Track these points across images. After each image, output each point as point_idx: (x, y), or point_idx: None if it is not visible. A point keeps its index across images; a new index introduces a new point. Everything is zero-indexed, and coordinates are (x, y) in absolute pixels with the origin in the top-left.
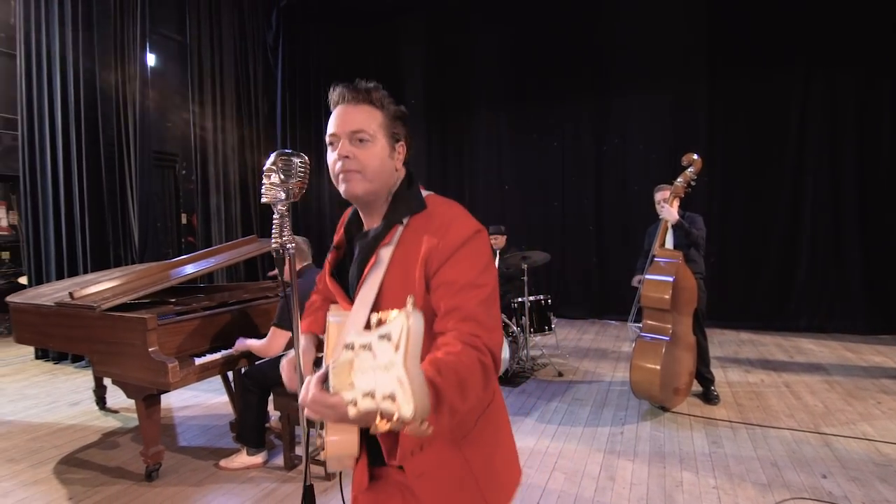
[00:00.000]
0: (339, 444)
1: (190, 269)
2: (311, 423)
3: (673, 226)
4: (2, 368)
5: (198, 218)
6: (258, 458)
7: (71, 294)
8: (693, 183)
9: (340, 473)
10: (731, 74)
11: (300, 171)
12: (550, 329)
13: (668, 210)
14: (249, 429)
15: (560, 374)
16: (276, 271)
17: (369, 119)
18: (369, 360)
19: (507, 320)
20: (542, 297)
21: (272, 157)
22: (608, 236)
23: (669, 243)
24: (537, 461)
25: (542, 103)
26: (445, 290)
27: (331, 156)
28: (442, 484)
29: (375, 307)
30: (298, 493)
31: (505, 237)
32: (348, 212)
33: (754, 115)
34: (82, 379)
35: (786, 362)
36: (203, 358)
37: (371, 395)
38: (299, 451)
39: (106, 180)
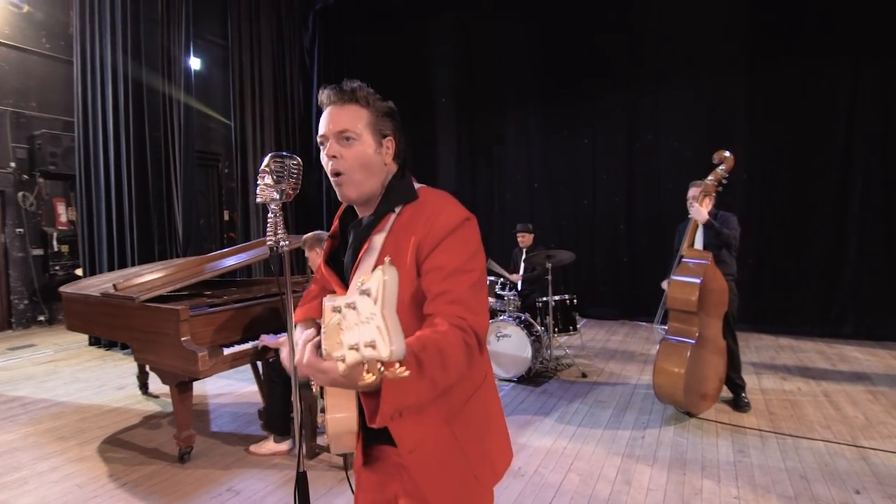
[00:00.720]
0: (339, 421)
1: (223, 264)
2: (307, 407)
3: (703, 225)
4: (59, 353)
5: (238, 215)
6: (283, 446)
7: (114, 286)
8: (725, 181)
9: (345, 458)
10: (773, 66)
11: (293, 173)
12: (575, 329)
13: (697, 209)
14: (275, 417)
15: (584, 375)
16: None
17: (355, 118)
18: (353, 317)
19: (531, 320)
20: (567, 296)
21: (266, 160)
22: (639, 236)
23: (699, 243)
24: (553, 461)
25: (571, 100)
26: (435, 274)
27: (323, 156)
28: (432, 459)
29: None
30: (318, 479)
31: (532, 235)
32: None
33: (798, 110)
34: (129, 365)
35: (827, 370)
36: (232, 348)
37: (356, 347)
38: (321, 440)
39: (152, 179)
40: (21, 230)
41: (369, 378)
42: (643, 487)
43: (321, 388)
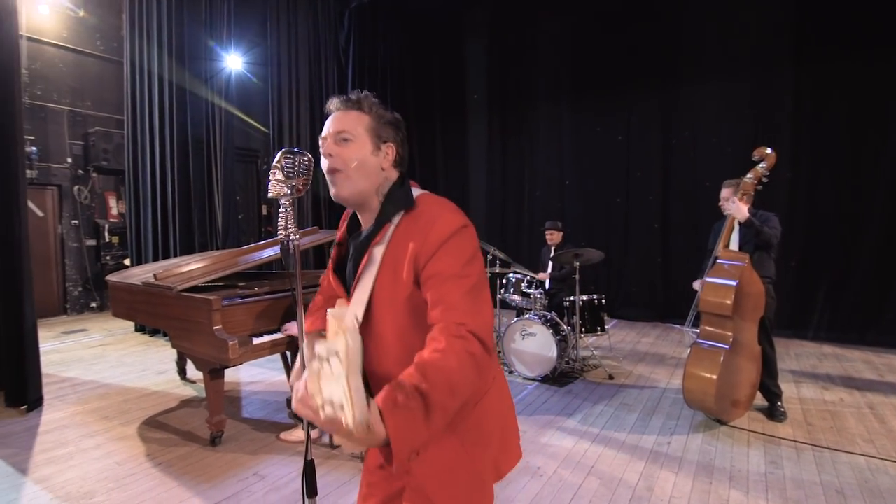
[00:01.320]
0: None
1: (257, 257)
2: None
3: (741, 224)
4: (107, 338)
5: (273, 210)
6: (311, 434)
7: (154, 275)
8: (765, 179)
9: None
10: (823, 56)
11: (303, 170)
12: (603, 330)
13: (738, 205)
14: None
15: (611, 377)
16: None
17: (355, 122)
18: (328, 371)
19: (557, 319)
20: (595, 296)
21: (278, 156)
22: (674, 235)
23: (734, 244)
24: (573, 463)
25: (605, 95)
26: (433, 282)
27: (322, 158)
28: (438, 464)
29: (369, 306)
30: (339, 468)
31: (561, 233)
32: (349, 212)
33: (849, 103)
34: (169, 352)
35: (873, 381)
36: (261, 338)
37: (331, 403)
38: None
39: (194, 175)
40: (76, 222)
41: (338, 440)
42: (666, 494)
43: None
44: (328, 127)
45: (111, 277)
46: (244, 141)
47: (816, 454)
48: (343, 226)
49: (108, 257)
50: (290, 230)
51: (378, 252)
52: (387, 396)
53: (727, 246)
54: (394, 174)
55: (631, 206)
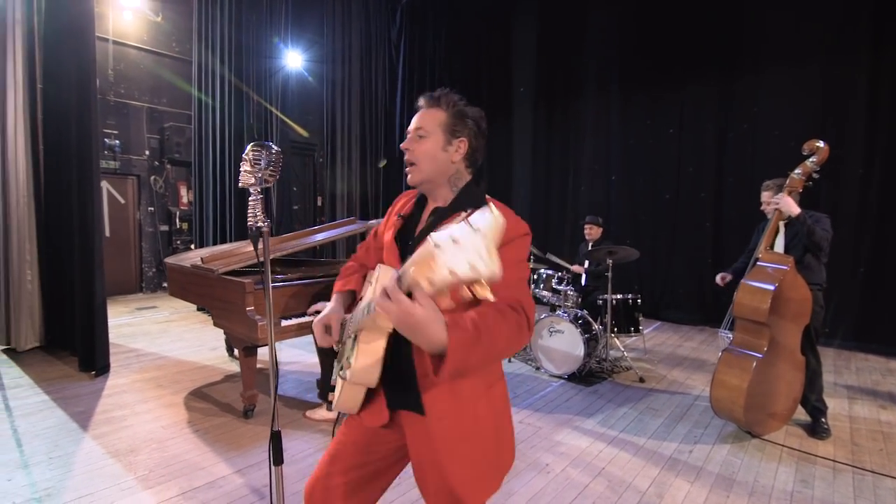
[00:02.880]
0: (349, 396)
1: (294, 244)
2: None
3: (789, 223)
4: (172, 315)
5: (326, 200)
6: (334, 414)
7: (202, 259)
8: (815, 176)
9: (337, 418)
10: None
11: (271, 162)
12: (637, 331)
13: (786, 200)
14: (328, 387)
15: (641, 380)
16: None
17: (432, 119)
18: (451, 250)
19: (588, 317)
20: (630, 295)
21: (247, 148)
22: (728, 235)
23: (780, 246)
24: (584, 462)
25: (657, 85)
26: None
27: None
28: (456, 430)
29: None
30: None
31: (601, 229)
32: (409, 195)
33: None
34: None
35: None
36: (290, 320)
37: (453, 272)
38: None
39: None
40: (152, 209)
41: (446, 302)
42: (676, 503)
43: (351, 345)
44: (412, 123)
45: (168, 260)
46: (301, 134)
47: (857, 477)
48: (410, 202)
49: (178, 242)
50: (258, 218)
51: None
52: (452, 318)
53: (771, 247)
54: (465, 170)
55: (681, 202)
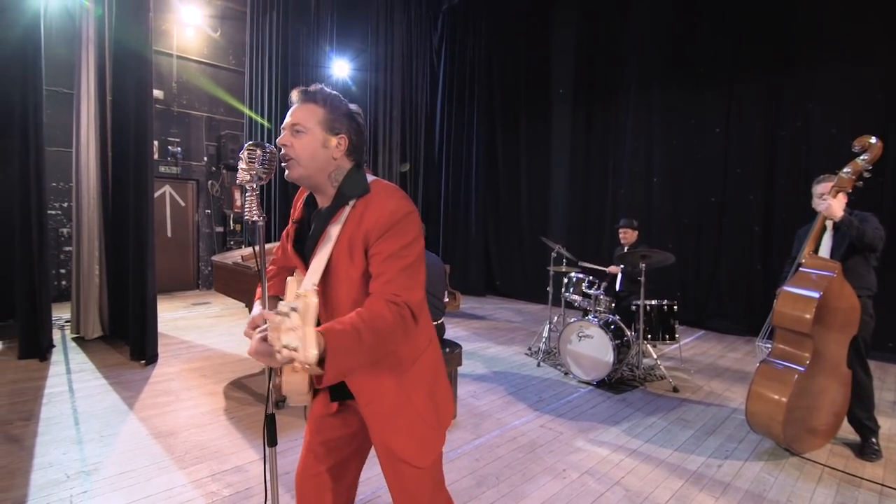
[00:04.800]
0: (292, 383)
1: None
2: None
3: (836, 226)
4: (223, 311)
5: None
6: None
7: (242, 256)
8: (867, 174)
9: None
10: None
11: (265, 160)
12: (673, 338)
13: (831, 203)
14: None
15: (675, 390)
16: None
17: (309, 115)
18: (288, 323)
19: (620, 323)
20: (665, 302)
21: (244, 147)
22: (779, 240)
23: (825, 250)
24: (603, 470)
25: (702, 83)
26: (377, 258)
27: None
28: (384, 408)
29: (324, 276)
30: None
31: (636, 233)
32: (305, 193)
33: None
34: None
35: None
36: None
37: (287, 347)
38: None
39: (276, 179)
40: (209, 211)
41: (296, 368)
42: None
43: None
44: (286, 118)
45: (215, 258)
46: None
47: None
48: (299, 204)
49: (231, 242)
50: (254, 213)
51: (334, 231)
52: (328, 324)
53: (816, 252)
54: (347, 162)
55: (727, 205)
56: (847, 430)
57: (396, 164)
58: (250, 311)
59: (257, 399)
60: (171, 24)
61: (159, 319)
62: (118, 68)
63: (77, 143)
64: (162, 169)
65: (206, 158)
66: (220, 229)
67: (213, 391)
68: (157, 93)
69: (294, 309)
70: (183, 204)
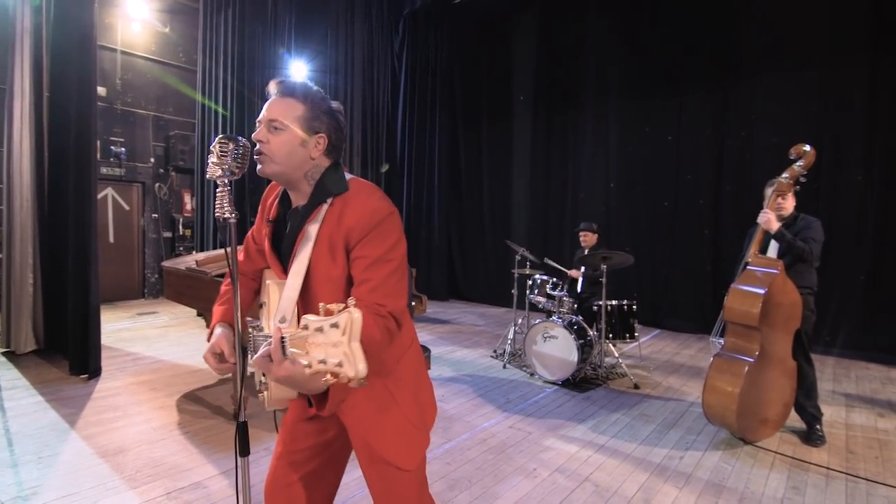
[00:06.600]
0: (279, 393)
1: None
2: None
3: (773, 236)
4: (172, 321)
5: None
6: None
7: (196, 261)
8: (802, 180)
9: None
10: None
11: (238, 154)
12: (633, 337)
13: (768, 216)
14: None
15: (636, 387)
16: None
17: (288, 111)
18: (321, 338)
19: (583, 323)
20: (625, 302)
21: (214, 141)
22: (727, 242)
23: (773, 250)
24: (572, 468)
25: (655, 93)
26: (360, 262)
27: (252, 137)
28: (370, 410)
29: (307, 277)
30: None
31: (596, 235)
32: (276, 190)
33: None
34: None
35: None
36: None
37: (323, 362)
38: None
39: (249, 175)
40: (156, 215)
41: (331, 380)
42: None
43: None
44: (263, 111)
45: (165, 263)
46: None
47: (850, 485)
48: (273, 203)
49: (181, 248)
50: (226, 209)
51: (312, 230)
52: None
53: (763, 252)
54: (325, 161)
55: (679, 210)
56: (793, 419)
57: (356, 166)
58: (206, 319)
59: (214, 411)
60: (116, 18)
61: (101, 331)
62: (58, 62)
63: (9, 143)
64: (104, 170)
65: (152, 160)
66: (168, 234)
67: (165, 405)
68: (100, 90)
69: (335, 325)
70: (127, 208)
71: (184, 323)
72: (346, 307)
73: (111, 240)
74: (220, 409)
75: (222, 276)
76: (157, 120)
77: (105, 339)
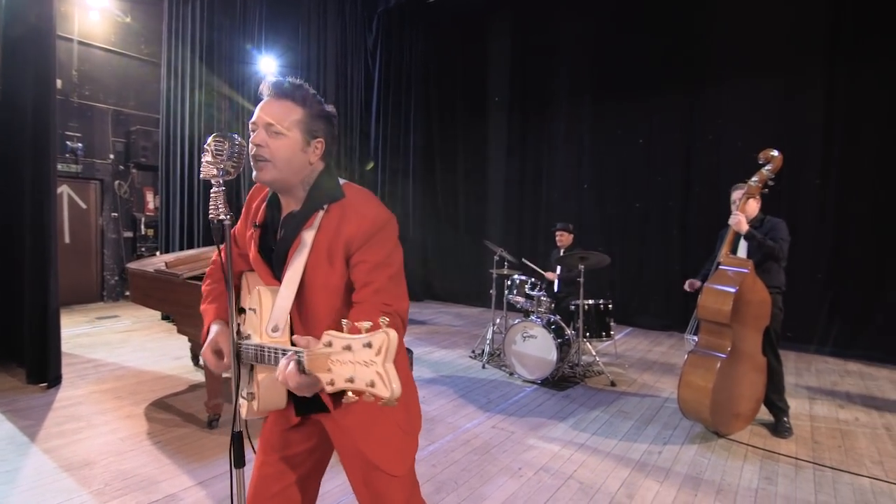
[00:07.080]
0: (269, 399)
1: None
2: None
3: (744, 237)
4: (135, 325)
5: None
6: None
7: (166, 263)
8: (771, 183)
9: (247, 422)
10: (862, 54)
11: (233, 154)
12: (609, 336)
13: (739, 218)
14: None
15: (612, 384)
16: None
17: (287, 114)
18: (349, 356)
19: (561, 323)
20: (602, 301)
21: (209, 139)
22: (695, 242)
23: (743, 251)
24: (556, 466)
25: (627, 97)
26: (362, 267)
27: (250, 139)
28: (362, 417)
29: (301, 284)
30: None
31: (571, 236)
32: (264, 193)
33: (890, 104)
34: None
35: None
36: None
37: (351, 380)
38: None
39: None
40: (115, 214)
41: (354, 398)
42: (646, 503)
43: (248, 377)
44: (259, 113)
45: (131, 265)
46: None
47: (817, 473)
48: (260, 206)
49: (143, 249)
50: (220, 211)
51: (308, 236)
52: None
53: (734, 252)
54: (320, 165)
55: (650, 211)
56: (762, 412)
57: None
58: (177, 323)
59: (185, 419)
60: (72, 6)
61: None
62: (10, 52)
63: None
64: (59, 167)
65: (112, 156)
66: (129, 234)
67: (132, 413)
68: None
69: (368, 344)
70: (84, 206)
71: (148, 327)
72: (376, 326)
73: (67, 240)
74: (192, 417)
75: (195, 278)
76: (116, 114)
77: (63, 345)
